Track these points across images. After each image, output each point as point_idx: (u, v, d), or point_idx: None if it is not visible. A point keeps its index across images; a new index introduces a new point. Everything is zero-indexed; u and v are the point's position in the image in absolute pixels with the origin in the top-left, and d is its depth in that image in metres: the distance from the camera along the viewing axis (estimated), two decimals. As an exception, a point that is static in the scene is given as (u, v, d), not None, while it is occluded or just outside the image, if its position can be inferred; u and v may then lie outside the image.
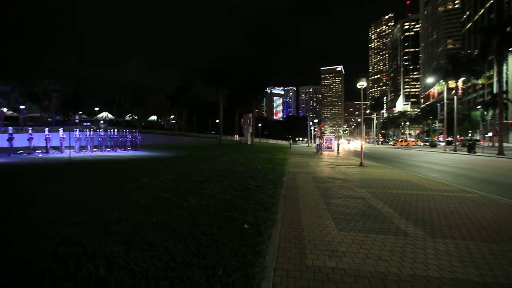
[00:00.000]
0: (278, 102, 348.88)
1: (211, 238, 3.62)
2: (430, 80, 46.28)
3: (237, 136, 55.51)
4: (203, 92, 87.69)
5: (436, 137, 76.05)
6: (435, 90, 61.87)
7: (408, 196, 6.94)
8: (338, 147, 30.63)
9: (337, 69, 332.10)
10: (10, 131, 20.49)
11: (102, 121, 73.95)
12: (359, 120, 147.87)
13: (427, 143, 56.20)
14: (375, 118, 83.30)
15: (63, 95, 60.26)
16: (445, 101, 35.75)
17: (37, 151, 20.22)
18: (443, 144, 42.72)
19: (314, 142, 62.76)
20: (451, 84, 36.10)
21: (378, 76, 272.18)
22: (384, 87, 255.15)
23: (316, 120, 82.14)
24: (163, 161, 15.00)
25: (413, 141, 70.30)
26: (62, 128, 23.77)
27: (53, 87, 58.38)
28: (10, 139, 19.49)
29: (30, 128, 22.79)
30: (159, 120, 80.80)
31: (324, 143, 33.41)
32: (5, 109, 55.36)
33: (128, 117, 73.91)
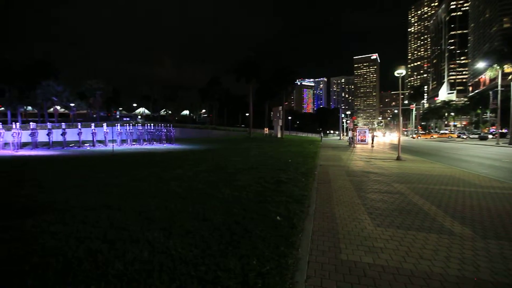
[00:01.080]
0: (308, 94, 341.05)
1: (244, 229, 3.70)
2: (481, 65, 41.51)
3: (267, 129, 55.54)
4: (233, 86, 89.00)
5: (487, 128, 68.44)
6: (486, 76, 55.63)
7: (453, 193, 6.39)
8: (372, 140, 29.16)
9: (372, 58, 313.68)
10: (63, 127, 22.75)
11: (139, 116, 78.84)
12: (395, 111, 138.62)
13: (475, 136, 50.97)
14: (414, 109, 77.57)
15: (106, 93, 65.15)
16: (499, 88, 31.99)
17: (85, 145, 22.25)
18: (492, 136, 38.49)
19: (346, 135, 60.49)
20: (507, 68, 32.17)
21: (419, 63, 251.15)
22: (425, 75, 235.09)
23: (348, 112, 78.77)
24: (196, 153, 15.58)
25: (445, 133, 64.10)
26: (105, 124, 25.83)
27: (97, 86, 63.24)
28: (63, 134, 21.67)
29: (79, 124, 25.08)
30: (191, 114, 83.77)
31: (357, 136, 32.02)
32: (58, 107, 61.48)
33: (162, 112, 77.73)
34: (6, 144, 20.03)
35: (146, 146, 22.95)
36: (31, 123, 24.78)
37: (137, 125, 27.16)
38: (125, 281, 2.39)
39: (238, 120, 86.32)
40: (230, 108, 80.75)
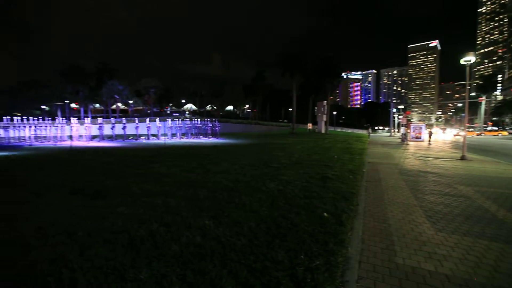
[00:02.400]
0: (355, 88, 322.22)
1: (291, 222, 3.67)
2: None
3: (310, 124, 54.20)
4: (278, 81, 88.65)
5: None
6: None
7: (537, 199, 5.43)
8: (430, 137, 26.33)
9: (431, 45, 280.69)
10: (124, 121, 25.41)
11: (187, 112, 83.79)
12: (458, 105, 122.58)
13: None
14: (483, 102, 67.55)
15: (158, 91, 70.72)
16: None
17: (141, 138, 24.59)
18: None
19: (398, 131, 55.69)
20: None
21: (491, 48, 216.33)
22: (498, 62, 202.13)
23: (401, 107, 72.25)
24: (240, 148, 15.99)
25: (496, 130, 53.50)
26: (158, 119, 28.13)
27: (151, 84, 69.03)
28: (124, 128, 24.23)
29: (136, 119, 27.70)
30: (235, 109, 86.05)
31: (411, 132, 29.24)
32: (120, 104, 68.88)
33: (208, 108, 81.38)
34: (80, 136, 23.23)
35: (193, 140, 24.34)
36: (99, 118, 28.24)
37: (186, 120, 28.96)
38: (181, 262, 2.58)
39: (280, 115, 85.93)
40: (273, 103, 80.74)
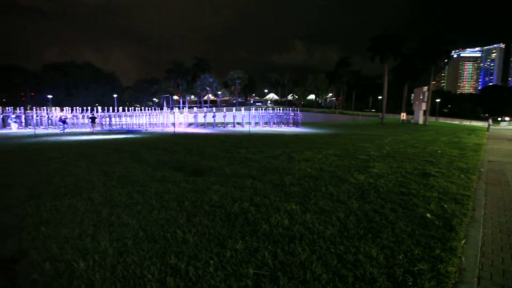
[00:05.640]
0: (469, 69, 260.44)
1: (385, 218, 3.34)
2: None
3: (404, 114, 47.28)
4: (363, 67, 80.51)
5: None
6: None
7: None
8: None
9: None
10: (214, 111, 28.30)
11: (269, 101, 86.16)
12: None
13: None
14: None
15: (243, 81, 75.05)
16: None
17: (228, 125, 26.89)
18: None
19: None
20: None
21: None
22: None
23: (543, 91, 54.23)
24: (323, 137, 15.45)
25: None
26: (243, 108, 30.01)
27: (237, 75, 73.77)
28: (213, 117, 27.01)
29: (224, 108, 30.40)
30: (317, 98, 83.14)
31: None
32: (210, 95, 76.88)
33: (289, 97, 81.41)
34: (180, 123, 27.22)
35: (275, 128, 24.97)
36: (194, 108, 32.28)
37: (268, 109, 29.90)
38: (271, 240, 2.72)
39: (367, 104, 78.16)
40: (359, 91, 73.99)
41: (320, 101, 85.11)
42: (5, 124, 23.69)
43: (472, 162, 7.77)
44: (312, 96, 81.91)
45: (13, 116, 23.92)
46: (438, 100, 60.77)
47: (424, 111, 41.04)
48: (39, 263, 2.32)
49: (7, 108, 24.69)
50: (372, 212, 3.54)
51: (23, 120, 24.26)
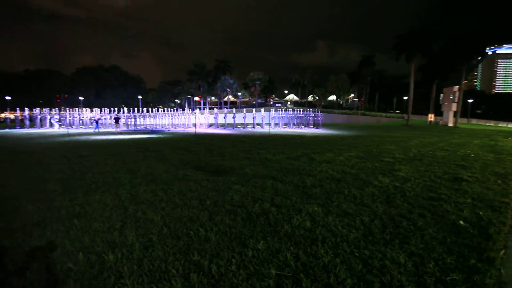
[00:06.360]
0: (505, 66, 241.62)
1: (412, 224, 3.18)
2: None
3: (432, 115, 44.88)
4: (387, 66, 77.51)
5: None
6: None
7: None
8: None
9: None
10: (234, 111, 28.59)
11: (289, 102, 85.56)
12: None
13: None
14: None
15: (263, 82, 75.18)
16: None
17: (248, 126, 27.03)
18: None
19: None
20: None
21: None
22: None
23: None
24: (344, 139, 15.07)
25: None
26: (263, 109, 30.08)
27: (257, 77, 74.04)
28: (234, 117, 27.28)
29: (244, 109, 30.63)
30: (338, 99, 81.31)
31: None
32: (230, 96, 77.79)
33: (310, 98, 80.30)
34: (201, 124, 27.79)
35: (295, 130, 24.73)
36: (215, 109, 32.81)
37: (288, 110, 29.70)
38: (293, 241, 2.68)
39: (391, 105, 75.11)
40: (382, 92, 71.28)
41: (341, 102, 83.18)
42: (50, 124, 26.88)
43: (511, 167, 7.20)
44: (333, 97, 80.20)
45: (56, 117, 27.18)
46: (470, 101, 56.99)
47: (455, 112, 38.73)
48: (73, 253, 2.47)
49: (52, 110, 28.30)
50: (399, 216, 3.39)
51: (66, 121, 27.19)
